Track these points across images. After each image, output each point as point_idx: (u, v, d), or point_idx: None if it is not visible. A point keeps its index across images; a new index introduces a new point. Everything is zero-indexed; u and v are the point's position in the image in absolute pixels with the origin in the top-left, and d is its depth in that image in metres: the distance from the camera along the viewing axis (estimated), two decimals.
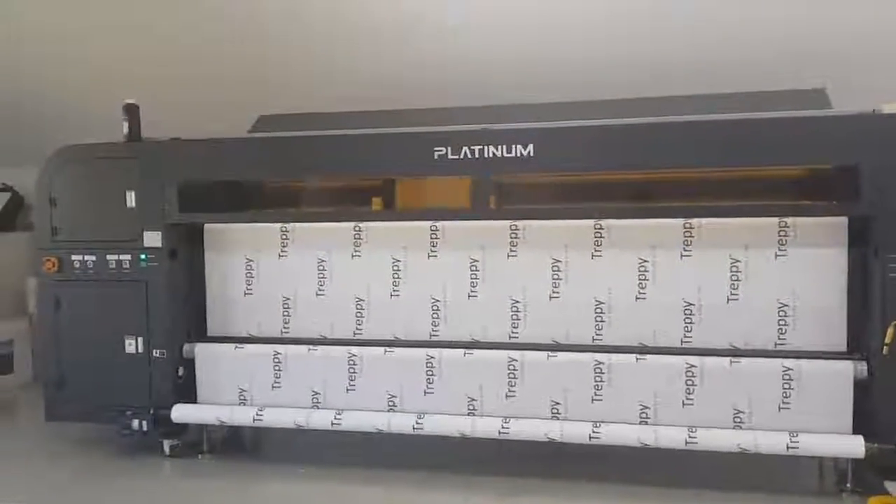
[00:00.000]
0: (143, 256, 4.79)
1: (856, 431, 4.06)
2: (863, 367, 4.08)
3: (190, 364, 4.90)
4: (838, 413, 4.09)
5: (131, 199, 4.78)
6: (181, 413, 4.81)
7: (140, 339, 4.83)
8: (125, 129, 4.81)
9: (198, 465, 4.84)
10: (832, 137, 4.01)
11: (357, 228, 4.73)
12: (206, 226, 4.96)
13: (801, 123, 4.09)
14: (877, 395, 4.01)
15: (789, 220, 4.20)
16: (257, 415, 4.71)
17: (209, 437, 4.97)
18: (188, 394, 4.89)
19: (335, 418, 4.58)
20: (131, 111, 4.83)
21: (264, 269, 4.89)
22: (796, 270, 4.20)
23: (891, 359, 3.91)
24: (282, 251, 4.86)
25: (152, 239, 4.78)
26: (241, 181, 5.02)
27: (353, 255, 4.76)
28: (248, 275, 4.91)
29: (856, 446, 3.99)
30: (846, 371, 4.09)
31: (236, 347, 4.85)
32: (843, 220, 4.16)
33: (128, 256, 4.81)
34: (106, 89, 5.16)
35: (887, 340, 3.90)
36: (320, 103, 5.24)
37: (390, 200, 4.89)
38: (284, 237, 4.85)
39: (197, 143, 4.79)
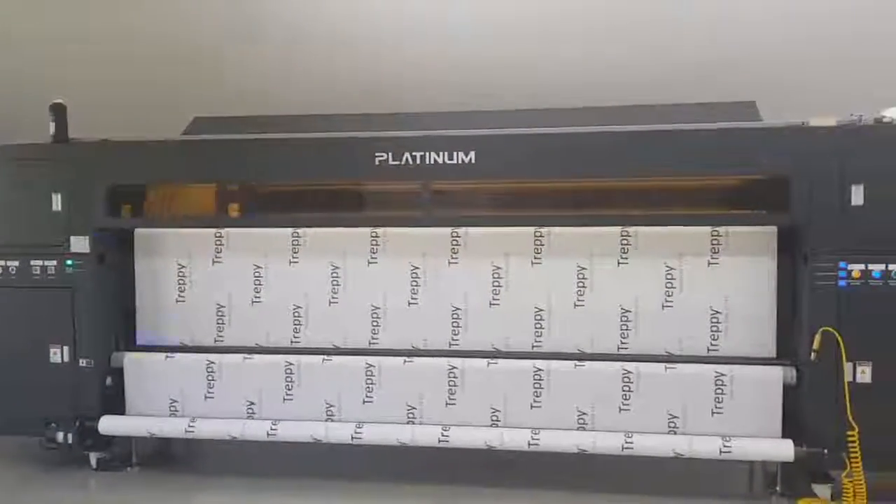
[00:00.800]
0: (69, 262, 4.61)
1: (785, 435, 4.17)
2: (792, 372, 4.19)
3: (118, 374, 4.73)
4: (768, 417, 4.19)
5: (57, 202, 4.60)
6: (109, 425, 4.63)
7: (66, 349, 4.64)
8: (52, 130, 4.64)
9: (126, 479, 4.67)
10: (763, 149, 4.12)
11: (295, 234, 4.65)
12: (137, 231, 4.80)
13: (734, 134, 4.19)
14: (805, 399, 4.13)
15: (721, 229, 4.30)
16: (189, 426, 4.57)
17: (139, 449, 4.81)
18: (116, 405, 4.72)
19: (271, 429, 4.48)
20: (58, 111, 4.65)
21: (197, 275, 4.76)
22: (728, 278, 4.30)
23: (819, 364, 4.03)
24: (216, 257, 4.74)
25: (79, 244, 4.60)
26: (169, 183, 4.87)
27: (290, 262, 4.67)
28: (181, 282, 4.78)
29: (785, 450, 4.10)
30: (776, 376, 4.20)
31: (167, 357, 4.71)
32: (773, 229, 4.27)
33: (53, 262, 4.62)
34: (35, 90, 4.97)
35: (815, 346, 4.01)
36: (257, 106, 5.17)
37: None
38: (219, 243, 4.74)
39: (127, 145, 4.64)
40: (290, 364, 4.58)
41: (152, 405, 4.70)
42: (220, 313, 4.74)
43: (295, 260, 4.66)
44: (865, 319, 4.00)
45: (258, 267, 4.69)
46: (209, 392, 4.65)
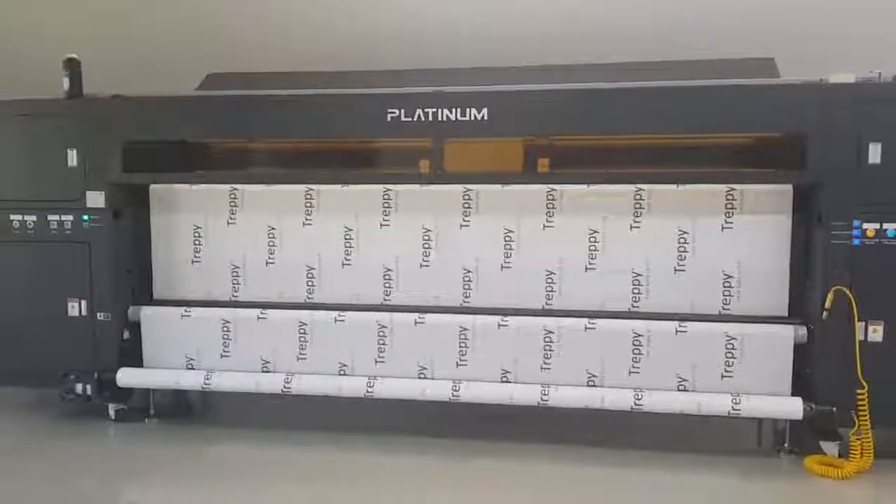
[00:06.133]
0: (85, 217, 4.66)
1: (794, 394, 4.18)
2: (803, 331, 4.19)
3: (136, 327, 4.80)
4: (778, 376, 4.19)
5: (73, 157, 4.63)
6: (126, 377, 4.72)
7: (83, 302, 4.71)
8: (66, 85, 4.64)
9: (144, 430, 4.78)
10: (781, 106, 4.06)
11: (308, 194, 4.65)
12: (152, 187, 4.83)
13: (751, 91, 4.12)
14: (815, 358, 4.13)
15: (737, 189, 4.25)
16: (206, 379, 4.65)
17: (157, 401, 4.90)
18: (134, 357, 4.80)
19: (285, 383, 4.55)
20: (72, 66, 4.65)
21: (212, 235, 4.77)
22: (742, 239, 4.26)
23: (830, 323, 4.02)
24: (231, 218, 4.75)
25: (95, 199, 4.64)
26: (187, 141, 4.88)
27: (304, 223, 4.67)
28: (196, 241, 4.79)
29: (794, 408, 4.12)
30: (787, 335, 4.19)
31: (183, 314, 4.75)
32: (789, 188, 4.23)
33: (70, 217, 4.67)
34: (42, 45, 4.95)
35: (827, 305, 4.00)
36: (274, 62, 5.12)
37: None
38: (233, 202, 4.75)
39: (141, 101, 4.64)
40: (304, 323, 4.60)
41: (169, 358, 4.77)
42: (234, 273, 4.76)
43: (308, 221, 4.66)
44: (879, 278, 3.97)
45: (272, 228, 4.68)
46: (225, 349, 4.70)
